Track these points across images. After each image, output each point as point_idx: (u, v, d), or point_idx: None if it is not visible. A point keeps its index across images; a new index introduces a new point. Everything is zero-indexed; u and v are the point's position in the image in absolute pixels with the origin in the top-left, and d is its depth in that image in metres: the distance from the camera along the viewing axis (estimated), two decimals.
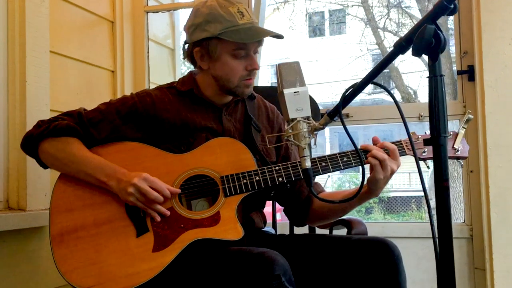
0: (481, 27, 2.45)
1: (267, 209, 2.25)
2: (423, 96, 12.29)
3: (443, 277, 1.07)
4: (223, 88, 1.78)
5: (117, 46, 2.75)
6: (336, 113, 1.32)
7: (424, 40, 1.08)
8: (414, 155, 1.32)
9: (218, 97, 1.83)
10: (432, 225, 1.16)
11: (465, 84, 2.58)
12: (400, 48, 1.16)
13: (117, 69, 2.75)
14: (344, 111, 2.71)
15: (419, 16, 9.16)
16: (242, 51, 1.72)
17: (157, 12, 2.97)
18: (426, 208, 9.89)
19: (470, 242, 2.56)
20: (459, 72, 2.58)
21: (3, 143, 2.07)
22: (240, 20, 1.69)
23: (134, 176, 1.60)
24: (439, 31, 1.08)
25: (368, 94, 11.56)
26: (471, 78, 2.54)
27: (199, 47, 1.75)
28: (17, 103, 2.09)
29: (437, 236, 1.10)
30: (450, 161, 1.75)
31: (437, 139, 1.08)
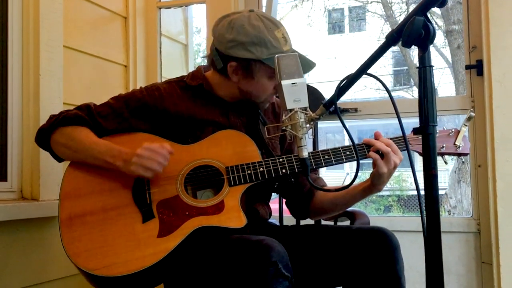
0: (489, 21, 2.44)
1: (275, 205, 2.29)
2: (444, 93, 12.21)
3: (431, 261, 1.10)
4: (247, 98, 1.82)
5: (129, 41, 2.81)
6: (331, 104, 1.35)
7: (413, 31, 1.10)
8: (407, 148, 1.36)
9: (230, 98, 1.86)
10: (422, 217, 1.17)
11: (473, 79, 2.58)
12: (391, 39, 1.19)
13: (130, 64, 2.80)
14: (353, 106, 2.77)
15: (438, 11, 9.08)
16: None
17: (169, 8, 3.02)
18: (445, 206, 9.81)
19: (478, 237, 2.56)
20: (468, 67, 2.57)
21: (17, 136, 2.13)
22: (284, 46, 1.72)
23: (136, 150, 1.64)
24: (428, 23, 1.11)
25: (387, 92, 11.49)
26: (480, 72, 2.54)
27: (237, 62, 1.74)
28: (31, 96, 2.15)
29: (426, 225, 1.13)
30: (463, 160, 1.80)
31: (426, 128, 1.11)
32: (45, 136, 1.80)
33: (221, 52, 1.76)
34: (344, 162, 1.75)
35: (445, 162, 1.76)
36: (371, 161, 1.69)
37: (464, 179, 9.06)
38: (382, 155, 1.66)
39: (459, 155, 1.79)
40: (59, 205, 1.71)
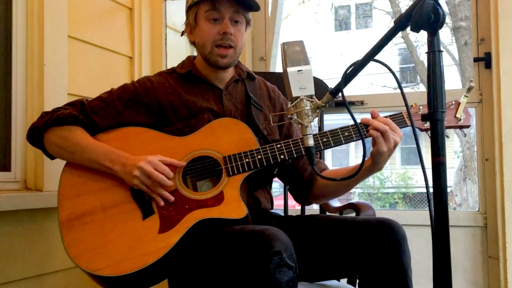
0: (498, 14, 2.42)
1: (281, 201, 2.28)
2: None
3: (438, 246, 1.08)
4: (203, 56, 1.84)
5: (135, 33, 2.78)
6: (338, 92, 1.33)
7: (422, 15, 1.09)
8: (412, 125, 1.34)
9: (214, 75, 1.87)
10: (430, 207, 1.15)
11: (481, 72, 2.56)
12: (400, 24, 1.17)
13: (135, 55, 2.78)
14: (359, 99, 2.75)
15: (446, 8, 9.04)
16: (215, 12, 1.78)
17: None
18: (451, 204, 9.76)
19: (484, 231, 2.54)
20: (476, 59, 2.55)
21: (21, 126, 2.12)
22: None
23: (139, 160, 1.63)
24: (438, 6, 1.09)
25: (393, 89, 11.52)
26: (488, 65, 2.51)
27: (187, 20, 1.86)
28: (35, 86, 2.13)
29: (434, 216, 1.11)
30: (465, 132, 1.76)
31: (434, 114, 1.09)
32: (37, 135, 1.78)
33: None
34: (343, 143, 1.72)
35: (447, 136, 1.71)
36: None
37: (469, 176, 9.03)
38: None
39: (460, 127, 1.75)
40: (58, 206, 1.70)
